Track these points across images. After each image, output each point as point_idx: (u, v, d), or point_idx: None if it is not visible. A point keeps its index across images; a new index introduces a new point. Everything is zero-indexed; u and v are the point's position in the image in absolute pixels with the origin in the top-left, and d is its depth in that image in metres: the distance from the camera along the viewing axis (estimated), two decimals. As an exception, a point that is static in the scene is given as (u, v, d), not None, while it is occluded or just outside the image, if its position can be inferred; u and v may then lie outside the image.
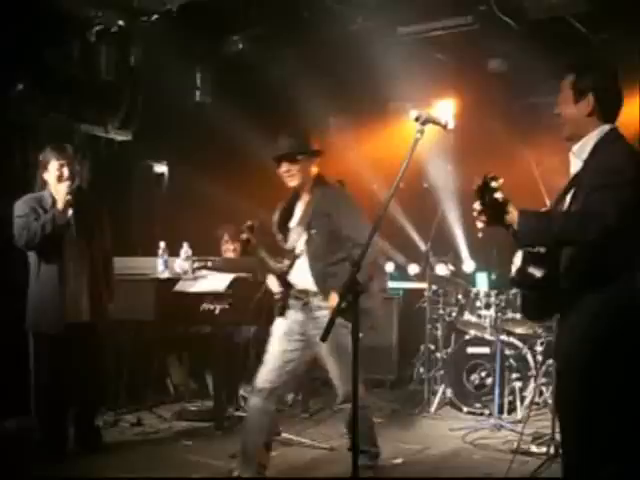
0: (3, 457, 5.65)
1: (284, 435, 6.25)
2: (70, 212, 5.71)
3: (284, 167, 5.07)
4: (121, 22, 6.77)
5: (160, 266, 6.75)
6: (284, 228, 5.22)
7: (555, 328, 4.12)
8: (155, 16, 6.68)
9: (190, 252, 6.84)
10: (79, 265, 5.80)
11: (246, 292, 6.41)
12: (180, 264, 6.79)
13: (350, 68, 8.06)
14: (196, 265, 6.91)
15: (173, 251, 6.83)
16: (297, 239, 5.09)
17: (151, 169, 8.54)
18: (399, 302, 8.89)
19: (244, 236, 5.05)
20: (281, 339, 5.04)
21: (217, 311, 6.49)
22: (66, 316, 5.68)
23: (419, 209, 8.94)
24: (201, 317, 6.61)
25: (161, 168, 8.61)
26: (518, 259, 3.61)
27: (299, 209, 5.19)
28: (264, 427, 5.03)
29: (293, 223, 5.18)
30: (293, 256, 5.09)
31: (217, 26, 7.45)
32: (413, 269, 9.07)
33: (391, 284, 9.10)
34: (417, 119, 3.85)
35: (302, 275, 5.05)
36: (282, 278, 5.09)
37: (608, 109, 3.61)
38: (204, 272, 6.88)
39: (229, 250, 7.73)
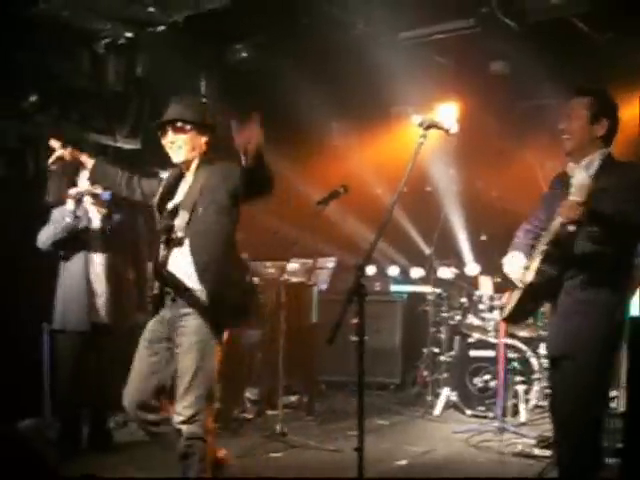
0: (19, 458, 5.72)
1: (290, 437, 6.30)
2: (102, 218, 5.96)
3: (169, 137, 4.62)
4: (129, 34, 6.86)
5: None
6: (163, 211, 4.64)
7: (550, 317, 4.25)
8: (161, 27, 6.76)
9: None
10: (107, 268, 5.98)
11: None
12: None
13: (352, 73, 8.08)
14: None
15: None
16: (180, 225, 4.47)
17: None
18: (403, 305, 8.96)
19: None
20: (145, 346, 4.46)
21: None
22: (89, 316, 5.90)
23: (422, 212, 8.96)
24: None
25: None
26: (519, 260, 4.18)
27: (181, 190, 4.64)
28: None
29: (171, 205, 4.61)
30: (172, 244, 4.49)
31: (221, 35, 7.54)
32: (417, 272, 9.12)
33: (395, 287, 9.19)
34: (420, 124, 3.96)
35: (178, 266, 4.44)
36: (157, 269, 4.47)
37: (612, 135, 4.05)
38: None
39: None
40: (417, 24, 7.49)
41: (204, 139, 4.67)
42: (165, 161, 8.33)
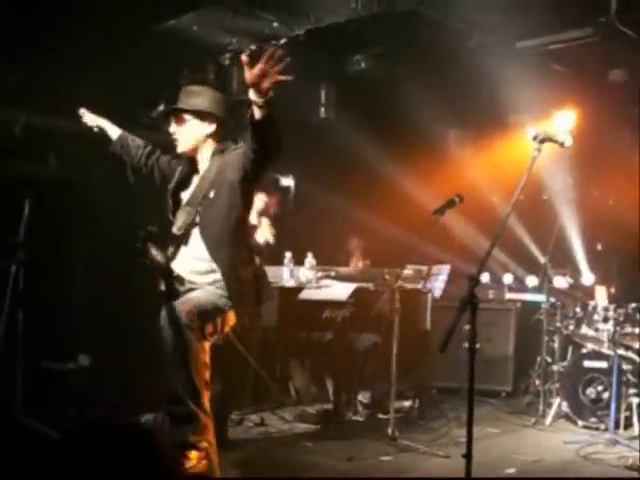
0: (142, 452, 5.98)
1: (400, 441, 6.35)
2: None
3: (171, 128, 4.54)
4: (253, 47, 7.12)
5: (286, 275, 7.08)
6: (175, 200, 4.60)
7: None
8: (283, 40, 7.00)
9: (314, 262, 7.10)
10: None
11: (368, 302, 6.62)
12: (305, 273, 7.06)
13: (469, 82, 8.11)
14: (320, 274, 7.16)
15: (298, 260, 7.12)
16: (186, 221, 4.48)
17: (278, 182, 8.90)
18: (516, 314, 8.93)
19: (139, 246, 4.30)
20: None
21: (338, 319, 6.72)
22: None
23: (537, 221, 8.90)
24: (323, 324, 6.84)
25: (287, 181, 8.96)
26: None
27: (193, 183, 4.58)
28: None
29: (184, 201, 4.57)
30: (178, 241, 4.50)
31: (340, 47, 7.73)
32: (531, 281, 9.08)
33: (509, 295, 9.16)
34: (535, 138, 4.02)
35: (185, 262, 4.47)
36: (165, 268, 4.40)
37: None
38: (327, 281, 7.13)
39: (357, 266, 7.97)
40: (534, 33, 7.49)
41: (209, 129, 4.52)
42: (283, 167, 8.64)
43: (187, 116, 4.50)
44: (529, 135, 4.07)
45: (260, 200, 6.07)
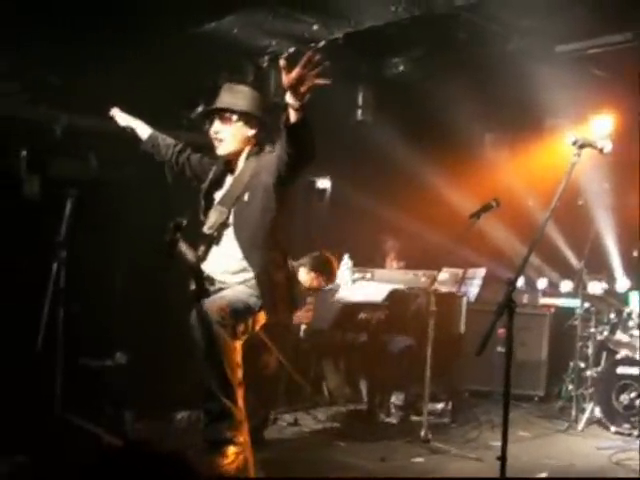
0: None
1: (433, 443, 6.39)
2: None
3: (214, 127, 4.51)
4: (292, 49, 7.17)
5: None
6: (208, 200, 4.59)
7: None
8: (322, 43, 7.03)
9: (350, 263, 7.13)
10: None
11: (403, 304, 6.66)
12: (341, 274, 7.09)
13: (506, 85, 8.11)
14: (356, 276, 7.19)
15: (334, 261, 7.12)
16: (218, 221, 4.47)
17: (314, 184, 8.95)
18: (550, 318, 8.91)
19: (168, 237, 4.25)
20: None
21: (373, 321, 6.75)
22: None
23: (573, 225, 8.89)
24: (358, 326, 6.89)
25: (324, 183, 8.99)
26: None
27: (227, 184, 4.57)
28: None
29: (217, 201, 4.55)
30: (209, 240, 4.50)
31: (378, 50, 7.75)
32: (566, 286, 9.04)
33: (543, 300, 9.14)
34: (574, 143, 4.03)
35: (217, 262, 4.46)
36: (196, 267, 4.43)
37: None
38: (363, 283, 7.15)
39: (392, 267, 7.99)
40: (573, 37, 7.46)
41: (252, 132, 4.52)
42: (319, 169, 8.68)
43: (233, 116, 4.49)
44: (569, 140, 4.08)
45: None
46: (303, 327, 6.91)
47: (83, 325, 6.23)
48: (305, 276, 6.46)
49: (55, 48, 6.31)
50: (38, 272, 5.51)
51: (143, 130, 5.04)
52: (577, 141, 4.02)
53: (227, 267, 4.47)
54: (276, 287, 4.46)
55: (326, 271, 6.48)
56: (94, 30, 6.40)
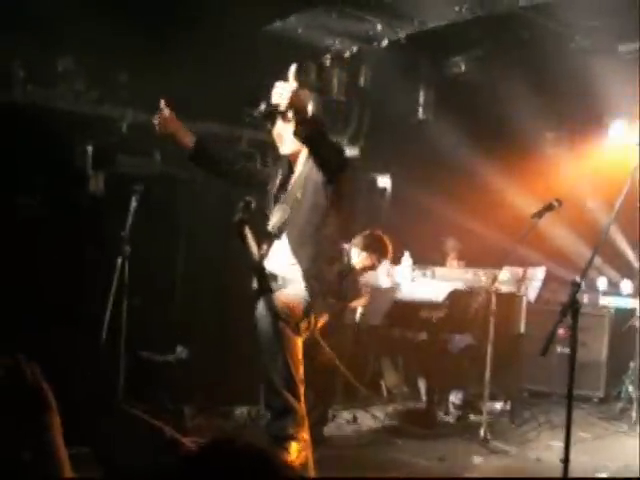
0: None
1: (492, 443, 6.39)
2: None
3: (277, 127, 4.49)
4: (355, 48, 7.21)
5: (382, 274, 7.10)
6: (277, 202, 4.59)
7: None
8: (385, 42, 7.06)
9: (411, 261, 7.15)
10: None
11: (463, 303, 6.65)
12: (401, 272, 7.10)
13: (568, 84, 8.06)
14: (416, 273, 7.21)
15: (395, 260, 7.15)
16: (280, 219, 4.50)
17: (375, 182, 8.98)
18: (610, 319, 8.82)
19: (237, 216, 4.32)
20: None
21: (434, 319, 6.75)
22: None
23: (634, 225, 8.80)
24: (418, 324, 6.90)
25: (384, 181, 9.01)
26: None
27: (291, 183, 4.58)
28: None
29: (280, 201, 4.58)
30: (271, 238, 4.53)
31: (440, 49, 7.78)
32: (626, 285, 8.97)
33: (603, 300, 9.05)
34: (640, 143, 4.02)
35: (279, 260, 4.50)
36: (258, 264, 4.46)
37: None
38: (424, 281, 7.16)
39: (453, 266, 7.99)
40: (636, 36, 7.40)
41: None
42: (381, 167, 8.70)
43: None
44: (634, 140, 4.07)
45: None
46: (359, 310, 6.88)
47: (146, 320, 6.34)
48: (358, 257, 6.47)
49: (122, 45, 6.40)
50: (103, 267, 5.63)
51: (188, 138, 4.78)
52: (644, 141, 4.00)
53: (289, 264, 4.50)
54: (323, 283, 4.50)
55: (378, 249, 6.43)
56: (162, 27, 6.50)
